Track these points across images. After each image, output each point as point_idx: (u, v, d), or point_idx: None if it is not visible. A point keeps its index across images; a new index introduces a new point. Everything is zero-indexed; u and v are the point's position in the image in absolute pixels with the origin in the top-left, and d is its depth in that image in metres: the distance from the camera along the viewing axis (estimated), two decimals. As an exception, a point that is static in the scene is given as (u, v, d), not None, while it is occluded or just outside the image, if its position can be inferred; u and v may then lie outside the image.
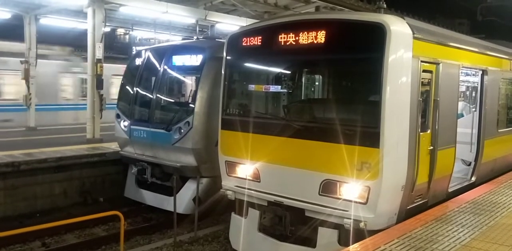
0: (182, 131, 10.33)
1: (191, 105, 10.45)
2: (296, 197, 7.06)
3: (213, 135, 10.11)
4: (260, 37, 7.64)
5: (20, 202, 11.02)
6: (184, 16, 17.02)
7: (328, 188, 6.74)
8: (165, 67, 11.28)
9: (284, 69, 8.49)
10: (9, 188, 10.82)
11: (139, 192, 11.72)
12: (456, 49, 8.17)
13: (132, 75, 12.10)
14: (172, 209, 9.91)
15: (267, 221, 7.87)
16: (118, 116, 12.01)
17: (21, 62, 17.93)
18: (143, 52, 12.11)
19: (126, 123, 11.70)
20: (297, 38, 7.07)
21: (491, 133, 9.71)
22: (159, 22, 19.50)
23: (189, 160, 10.39)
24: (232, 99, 8.54)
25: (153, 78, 11.61)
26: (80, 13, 16.27)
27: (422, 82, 6.92)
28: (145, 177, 11.30)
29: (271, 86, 8.55)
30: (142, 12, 16.48)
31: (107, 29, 17.36)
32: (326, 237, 6.86)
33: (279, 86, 8.44)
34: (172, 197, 10.02)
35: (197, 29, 18.49)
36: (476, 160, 9.28)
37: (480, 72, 9.18)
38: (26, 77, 17.91)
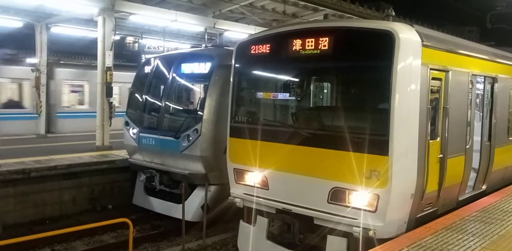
0: (191, 138, 10.33)
1: (199, 113, 10.47)
2: (305, 204, 7.04)
3: (222, 142, 10.00)
4: (269, 45, 7.68)
5: (30, 209, 11.09)
6: (193, 24, 17.17)
7: (337, 196, 6.71)
8: (174, 75, 11.33)
9: (293, 77, 8.50)
10: (19, 195, 10.89)
11: (147, 199, 11.73)
12: (465, 56, 8.14)
13: (141, 83, 12.17)
14: (180, 217, 9.89)
15: (276, 229, 7.84)
16: (127, 123, 12.06)
17: (32, 70, 18.15)
18: (152, 60, 12.20)
19: (135, 130, 11.74)
20: (305, 46, 7.09)
21: (502, 140, 9.64)
22: (168, 30, 19.67)
23: (198, 167, 10.39)
24: (241, 107, 8.56)
25: (162, 86, 11.68)
26: (90, 22, 16.48)
27: (431, 89, 6.90)
28: (154, 184, 11.32)
29: (279, 94, 8.55)
30: (151, 21, 16.64)
31: (117, 37, 17.51)
32: (335, 245, 6.81)
33: (288, 94, 8.44)
34: (180, 205, 10.01)
35: (206, 37, 18.61)
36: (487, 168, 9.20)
37: (491, 80, 9.14)
38: (37, 85, 18.11)
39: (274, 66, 8.10)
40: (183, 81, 11.67)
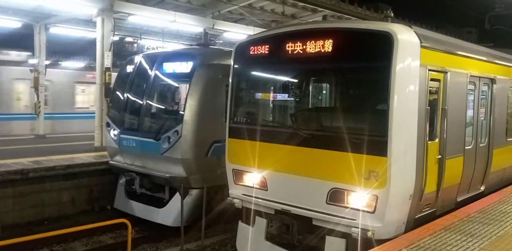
0: (171, 140, 10.03)
1: (180, 113, 10.17)
2: (304, 205, 7.04)
3: (204, 144, 9.83)
4: (268, 46, 7.67)
5: (29, 210, 11.08)
6: (192, 25, 17.17)
7: (335, 196, 6.71)
8: (156, 74, 11.01)
9: (292, 77, 8.51)
10: (17, 195, 10.88)
11: (129, 203, 11.39)
12: (464, 57, 8.16)
13: (123, 83, 11.81)
14: (161, 222, 9.78)
15: (274, 230, 7.84)
16: (108, 125, 11.77)
17: (31, 71, 18.13)
18: (134, 59, 11.86)
19: (115, 132, 11.42)
20: (304, 47, 7.09)
21: (500, 142, 9.65)
22: (167, 31, 19.67)
23: (178, 170, 10.10)
24: (240, 108, 8.55)
25: (143, 86, 11.29)
26: (89, 22, 16.47)
27: (430, 90, 6.91)
28: (134, 187, 11.00)
29: (278, 94, 8.56)
30: (150, 21, 16.64)
31: (116, 38, 17.50)
32: (333, 246, 6.82)
33: (286, 95, 8.45)
34: (161, 209, 9.92)
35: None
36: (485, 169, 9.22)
37: (489, 81, 9.16)
38: (36, 85, 18.08)
39: (273, 67, 8.10)
40: (164, 81, 11.31)
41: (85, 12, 14.94)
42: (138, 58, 11.75)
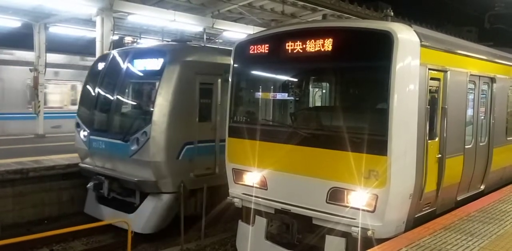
0: (140, 141, 9.55)
1: (149, 113, 9.65)
2: (304, 204, 7.04)
3: (174, 146, 9.44)
4: (267, 45, 7.67)
5: (29, 209, 11.08)
6: (192, 24, 17.14)
7: (335, 195, 6.71)
8: (126, 72, 10.53)
9: (291, 77, 8.51)
10: (17, 195, 10.87)
11: (98, 208, 10.90)
12: (464, 57, 8.16)
13: (93, 81, 11.26)
14: (131, 229, 9.67)
15: (274, 229, 7.84)
16: (78, 125, 11.26)
17: (30, 70, 18.09)
18: (105, 56, 11.37)
19: (85, 133, 10.93)
20: (304, 46, 7.09)
21: (500, 141, 9.65)
22: (166, 30, 19.64)
23: (147, 174, 9.62)
24: (239, 107, 8.54)
25: (114, 84, 10.73)
26: (89, 22, 16.46)
27: (430, 90, 6.91)
28: (102, 192, 10.47)
29: (278, 94, 8.55)
30: (150, 21, 16.61)
31: (115, 37, 17.50)
32: (333, 245, 6.82)
33: (286, 94, 8.44)
34: (131, 214, 9.70)
35: (205, 37, 18.60)
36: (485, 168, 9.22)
37: (489, 80, 9.15)
38: (35, 85, 18.04)
39: (273, 66, 8.09)
40: (135, 79, 10.78)
41: (85, 12, 14.88)
42: (109, 55, 11.25)
